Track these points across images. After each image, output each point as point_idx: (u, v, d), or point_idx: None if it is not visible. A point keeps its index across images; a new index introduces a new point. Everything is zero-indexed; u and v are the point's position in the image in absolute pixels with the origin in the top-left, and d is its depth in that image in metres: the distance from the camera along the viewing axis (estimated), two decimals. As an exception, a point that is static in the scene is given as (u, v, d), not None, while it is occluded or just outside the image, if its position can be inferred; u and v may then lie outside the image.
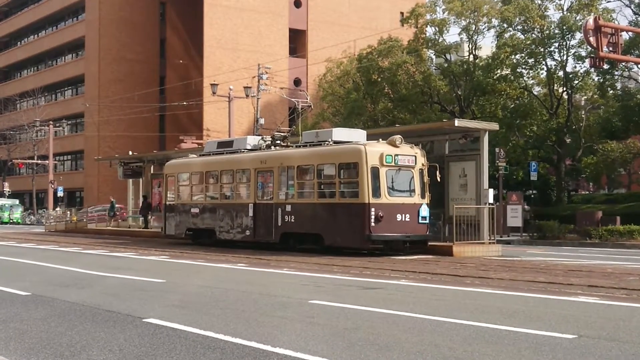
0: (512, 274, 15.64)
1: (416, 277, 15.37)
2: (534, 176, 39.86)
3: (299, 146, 24.51)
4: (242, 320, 9.27)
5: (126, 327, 8.87)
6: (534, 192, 50.33)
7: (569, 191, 52.86)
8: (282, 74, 58.57)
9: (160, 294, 12.26)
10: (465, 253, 21.77)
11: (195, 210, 28.07)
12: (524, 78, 43.86)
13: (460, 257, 21.25)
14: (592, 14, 34.52)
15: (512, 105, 43.26)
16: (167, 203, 29.92)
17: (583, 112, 44.80)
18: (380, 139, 22.05)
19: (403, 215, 21.35)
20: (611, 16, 39.42)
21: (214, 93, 48.44)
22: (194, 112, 63.07)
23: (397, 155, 21.47)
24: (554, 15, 42.46)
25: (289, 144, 26.05)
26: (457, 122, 24.13)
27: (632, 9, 40.67)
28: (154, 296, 11.99)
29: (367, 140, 23.04)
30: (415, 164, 21.84)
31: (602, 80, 41.15)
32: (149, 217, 38.98)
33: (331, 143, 22.94)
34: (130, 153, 43.88)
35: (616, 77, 42.26)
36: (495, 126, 26.57)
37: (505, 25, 42.74)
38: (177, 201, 29.23)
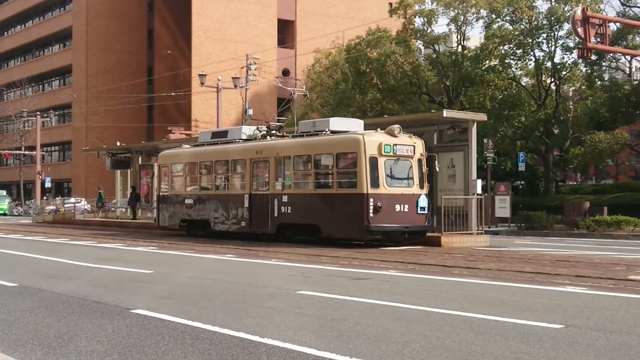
0: (500, 265, 15.69)
1: (404, 267, 15.39)
2: (522, 167, 39.99)
3: (296, 136, 24.23)
4: (231, 311, 9.27)
5: (114, 318, 8.85)
6: (522, 182, 50.52)
7: (557, 182, 53.13)
8: (270, 65, 58.44)
9: (149, 285, 12.24)
10: (454, 243, 21.79)
11: (189, 201, 27.79)
12: (512, 69, 44.00)
13: (449, 247, 21.28)
14: (580, 4, 34.58)
15: (501, 96, 43.37)
16: (161, 194, 29.61)
17: (571, 103, 44.99)
18: (379, 129, 21.76)
19: (402, 205, 21.08)
20: (599, 7, 39.53)
21: (202, 84, 48.31)
22: (182, 103, 62.90)
23: (395, 145, 21.24)
24: (542, 6, 42.87)
25: (284, 133, 25.77)
26: (445, 113, 24.13)
27: (619, 0, 40.81)
28: (142, 287, 11.97)
29: (364, 130, 22.78)
30: (414, 153, 21.60)
31: (589, 71, 41.35)
32: (137, 208, 38.95)
33: (328, 133, 22.64)
34: (118, 144, 43.76)
35: (604, 68, 42.46)
36: (483, 117, 26.56)
37: (493, 16, 42.84)
38: (171, 192, 28.96)
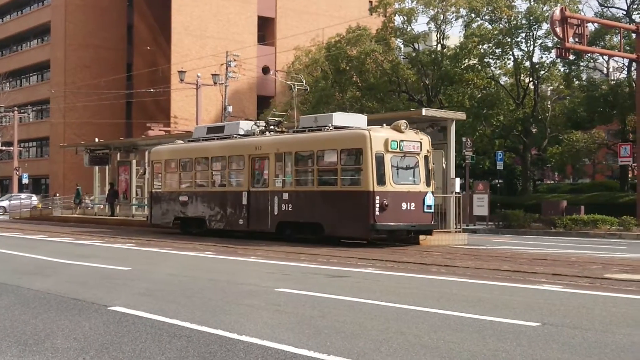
0: (478, 263, 15.76)
1: (383, 265, 15.43)
2: (500, 165, 40.19)
3: (297, 131, 23.56)
4: (209, 309, 9.25)
5: (91, 315, 8.81)
6: (500, 181, 50.78)
7: (535, 180, 53.45)
8: (250, 62, 58.37)
9: (126, 282, 12.19)
10: (432, 242, 21.71)
11: (183, 198, 26.92)
12: (491, 68, 44.21)
13: (427, 245, 21.27)
14: (559, 4, 34.83)
15: (479, 95, 43.54)
16: (154, 191, 28.70)
17: (549, 102, 45.26)
18: (384, 124, 21.21)
19: (408, 204, 20.48)
20: (577, 7, 39.86)
21: (181, 80, 48.19)
22: (161, 100, 62.64)
23: (402, 141, 20.61)
24: (521, 5, 42.96)
25: (283, 129, 25.12)
26: (424, 112, 24.15)
27: (597, 1, 41.12)
28: (120, 284, 11.92)
29: (367, 125, 22.19)
30: (421, 150, 21.00)
31: (567, 70, 41.66)
32: (115, 204, 38.81)
33: (331, 128, 21.91)
34: (97, 140, 43.55)
35: (582, 68, 42.82)
36: (462, 116, 26.62)
37: (473, 15, 43.00)
38: (165, 189, 28.04)
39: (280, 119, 26.28)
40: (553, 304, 9.80)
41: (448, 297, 10.48)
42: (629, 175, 43.97)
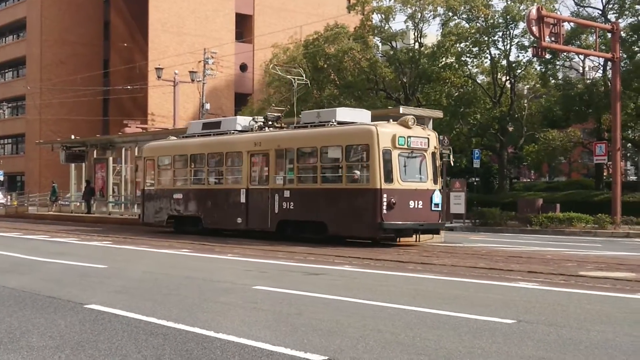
0: (454, 260, 15.84)
1: (360, 263, 15.46)
2: (477, 164, 40.36)
3: (298, 127, 22.83)
4: (186, 306, 9.23)
5: (67, 313, 8.76)
6: (477, 179, 51.02)
7: (511, 179, 53.75)
8: (228, 59, 58.19)
9: (103, 280, 12.13)
10: (409, 239, 21.79)
11: (178, 196, 26.18)
12: (469, 66, 44.41)
13: (404, 243, 21.33)
14: (535, 4, 35.05)
15: (457, 94, 43.73)
16: (146, 188, 27.91)
17: (525, 101, 45.56)
18: (391, 120, 20.77)
19: (416, 202, 20.02)
20: (554, 7, 40.13)
21: (159, 77, 47.97)
22: (138, 97, 62.29)
23: (409, 137, 20.08)
24: (498, 4, 43.35)
25: (282, 124, 24.51)
26: (402, 110, 24.10)
27: (573, 0, 41.39)
28: (96, 282, 11.86)
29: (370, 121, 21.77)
30: (428, 146, 20.56)
31: (544, 69, 41.92)
32: (92, 202, 38.63)
33: (335, 124, 21.30)
34: (73, 137, 43.24)
35: (558, 67, 43.12)
36: (439, 114, 26.67)
37: (450, 13, 43.16)
38: (157, 186, 27.27)
39: (279, 114, 25.43)
40: (528, 301, 9.87)
41: (424, 295, 10.52)
42: (604, 174, 44.34)
